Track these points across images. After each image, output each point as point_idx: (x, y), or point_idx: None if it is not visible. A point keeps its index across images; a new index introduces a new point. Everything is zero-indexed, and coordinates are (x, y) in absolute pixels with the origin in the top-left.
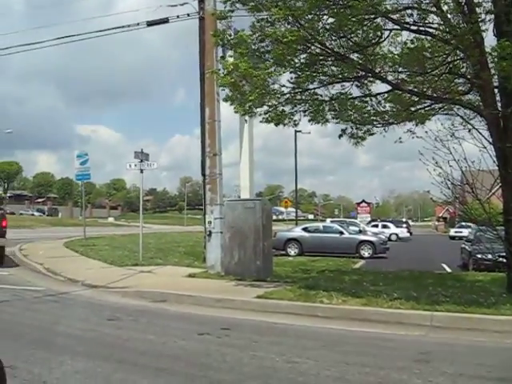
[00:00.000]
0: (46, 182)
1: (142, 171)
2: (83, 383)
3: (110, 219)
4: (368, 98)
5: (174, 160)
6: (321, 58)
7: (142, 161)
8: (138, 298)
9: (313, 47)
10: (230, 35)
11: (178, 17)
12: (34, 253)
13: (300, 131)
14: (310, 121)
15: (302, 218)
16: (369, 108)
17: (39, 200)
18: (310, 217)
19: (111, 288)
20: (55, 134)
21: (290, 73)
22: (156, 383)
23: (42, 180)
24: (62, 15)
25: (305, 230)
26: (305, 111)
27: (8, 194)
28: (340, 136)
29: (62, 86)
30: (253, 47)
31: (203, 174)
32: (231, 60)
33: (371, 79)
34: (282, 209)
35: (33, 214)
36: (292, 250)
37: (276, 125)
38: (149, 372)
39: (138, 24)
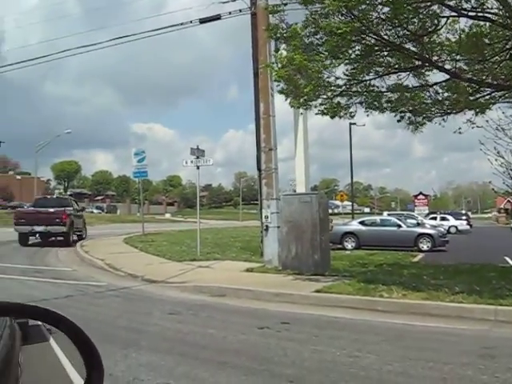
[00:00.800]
0: (104, 180)
1: (198, 167)
2: (148, 376)
3: (167, 215)
4: (425, 88)
5: (229, 156)
6: (376, 48)
7: (198, 157)
8: (197, 293)
9: (367, 38)
10: (283, 29)
11: (229, 13)
12: (95, 249)
13: (355, 124)
14: (366, 111)
15: (358, 212)
16: (426, 98)
17: (98, 198)
18: (366, 210)
19: (170, 283)
20: (112, 132)
21: (345, 64)
22: (218, 376)
23: (100, 178)
24: (116, 17)
25: (362, 223)
26: (361, 103)
27: (68, 193)
28: (399, 121)
29: (117, 85)
30: (306, 40)
31: (259, 169)
32: (284, 53)
33: (428, 68)
34: (338, 202)
35: (92, 212)
36: (349, 244)
37: (332, 117)
38: (210, 365)
39: (191, 22)
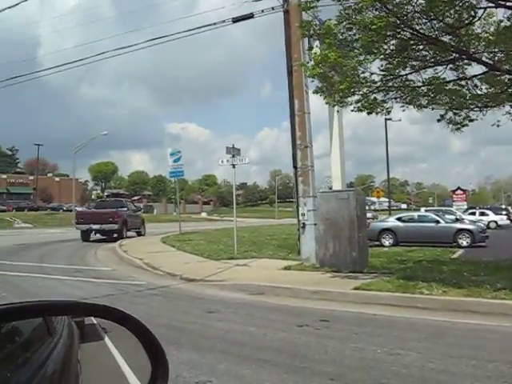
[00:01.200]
0: (140, 180)
1: (234, 166)
2: (189, 373)
3: (203, 214)
4: (463, 82)
5: (263, 154)
6: (411, 42)
7: (233, 156)
8: (236, 291)
9: (403, 32)
10: (316, 26)
11: (262, 11)
12: (134, 249)
13: (390, 119)
14: (402, 106)
15: (394, 208)
16: (465, 91)
17: (135, 198)
18: (403, 206)
19: (209, 281)
20: (147, 133)
21: (380, 60)
22: (259, 374)
23: (136, 178)
24: (150, 18)
25: (399, 219)
26: (397, 98)
27: (106, 193)
28: (438, 120)
29: (151, 86)
30: (340, 36)
31: (295, 167)
32: (318, 51)
33: (466, 61)
34: (374, 199)
35: None
36: (386, 241)
37: (368, 113)
38: (252, 363)
39: (223, 21)
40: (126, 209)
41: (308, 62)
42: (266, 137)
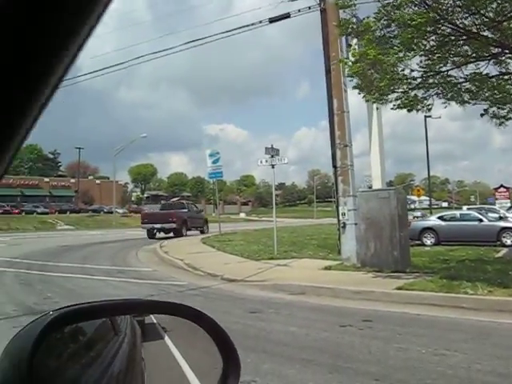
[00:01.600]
0: (179, 182)
1: (273, 166)
2: None
3: (242, 215)
4: (507, 76)
5: (301, 153)
6: (452, 38)
7: (272, 156)
8: (277, 291)
9: (443, 28)
10: (354, 23)
11: (299, 11)
12: (174, 249)
13: (430, 116)
14: (444, 102)
15: (435, 207)
16: (508, 86)
17: (174, 199)
18: (444, 205)
19: (249, 281)
20: (185, 135)
21: (420, 56)
22: (303, 374)
23: (175, 180)
24: (186, 21)
25: (440, 218)
26: (438, 94)
27: (145, 195)
28: (482, 115)
29: (189, 88)
30: (378, 34)
31: (334, 166)
32: (356, 49)
33: (509, 55)
34: (414, 197)
35: None
36: (428, 240)
37: (409, 111)
38: (295, 363)
39: (260, 22)
40: (186, 210)
41: (346, 59)
42: (303, 136)
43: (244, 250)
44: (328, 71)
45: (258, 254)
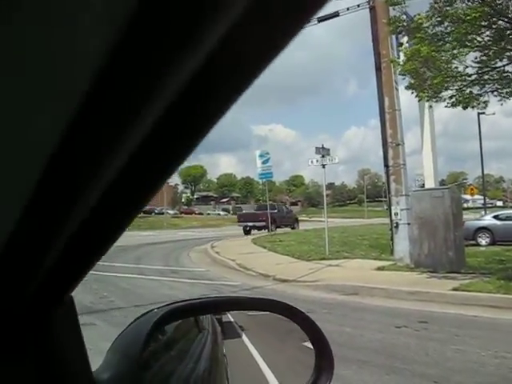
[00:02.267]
0: (228, 183)
1: (323, 166)
2: None
3: None
4: None
5: (351, 153)
6: (508, 32)
7: (323, 156)
8: (329, 291)
9: (499, 22)
10: (405, 21)
11: (347, 9)
12: (225, 250)
13: (483, 113)
14: (500, 99)
15: (489, 206)
16: None
17: (223, 200)
18: (499, 203)
19: (302, 282)
20: (234, 136)
21: (475, 52)
22: (360, 375)
23: (225, 181)
24: None
25: (496, 217)
26: (494, 91)
27: (195, 196)
28: None
29: None
30: (430, 31)
31: (386, 165)
32: (407, 46)
33: None
34: (468, 196)
35: (219, 214)
36: (483, 240)
37: (464, 108)
38: (351, 364)
39: (309, 21)
40: (276, 211)
41: (398, 58)
42: (353, 136)
43: (295, 251)
44: (378, 69)
45: (309, 254)
